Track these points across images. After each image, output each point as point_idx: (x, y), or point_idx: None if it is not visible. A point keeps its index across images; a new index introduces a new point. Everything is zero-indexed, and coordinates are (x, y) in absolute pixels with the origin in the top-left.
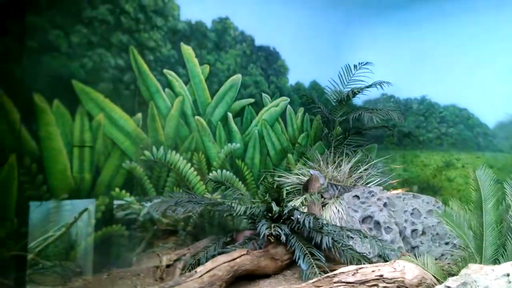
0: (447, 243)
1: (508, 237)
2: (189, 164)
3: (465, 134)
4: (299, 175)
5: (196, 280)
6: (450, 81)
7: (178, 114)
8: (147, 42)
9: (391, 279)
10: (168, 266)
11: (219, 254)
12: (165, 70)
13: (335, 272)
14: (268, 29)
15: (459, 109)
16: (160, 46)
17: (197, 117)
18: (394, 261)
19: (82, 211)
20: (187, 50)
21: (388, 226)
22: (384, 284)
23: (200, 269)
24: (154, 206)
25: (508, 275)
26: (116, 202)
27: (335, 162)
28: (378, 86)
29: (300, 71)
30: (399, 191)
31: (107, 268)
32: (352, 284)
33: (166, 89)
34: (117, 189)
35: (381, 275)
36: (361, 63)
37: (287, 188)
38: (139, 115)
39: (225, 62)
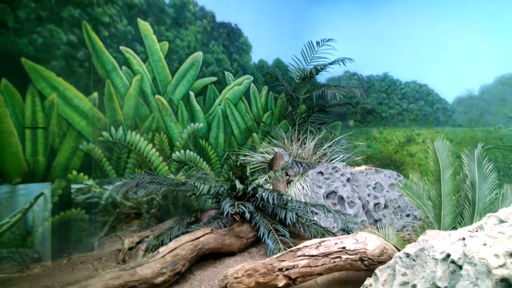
0: (408, 215)
1: (465, 205)
2: (151, 145)
3: (426, 110)
4: (264, 154)
5: (158, 260)
6: (411, 58)
7: (137, 93)
8: (102, 17)
9: (353, 250)
10: (131, 248)
11: (183, 234)
12: (121, 47)
13: (298, 246)
14: (230, 5)
15: (419, 85)
16: (116, 22)
17: (157, 96)
18: (356, 233)
19: (38, 195)
20: (145, 26)
21: (351, 201)
22: (347, 256)
23: (162, 249)
24: (115, 189)
25: (463, 239)
26: (75, 186)
27: (299, 140)
28: (341, 63)
29: (263, 49)
30: (363, 167)
31: (67, 253)
32: (315, 257)
33: (123, 67)
34: (74, 172)
35: (344, 247)
36: (324, 39)
37: (252, 167)
38: (95, 94)
39: (185, 39)
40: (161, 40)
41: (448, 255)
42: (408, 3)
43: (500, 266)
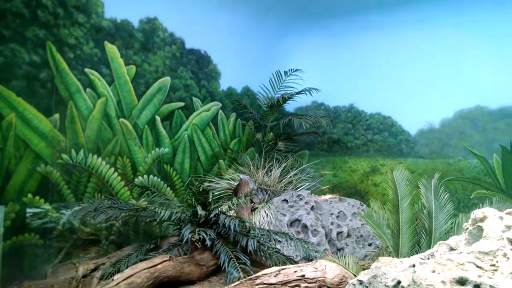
0: (370, 244)
1: (422, 234)
2: (112, 169)
3: (389, 141)
4: (229, 180)
5: None
6: (376, 90)
7: (101, 115)
8: (67, 39)
9: (312, 278)
10: (85, 276)
11: (141, 261)
12: (86, 69)
13: (257, 274)
14: (199, 32)
15: (383, 117)
16: (82, 44)
17: (121, 119)
18: (316, 261)
19: None
20: (112, 49)
21: (315, 229)
22: (306, 284)
23: (117, 277)
24: (73, 214)
25: (414, 265)
26: (31, 210)
27: (265, 167)
28: (308, 93)
29: (232, 76)
30: (329, 196)
31: (18, 280)
32: (274, 285)
33: (88, 89)
34: (29, 195)
35: (303, 275)
36: (292, 69)
37: (218, 193)
38: (57, 115)
39: (153, 63)
40: (128, 63)
41: (399, 282)
42: (374, 37)
43: None
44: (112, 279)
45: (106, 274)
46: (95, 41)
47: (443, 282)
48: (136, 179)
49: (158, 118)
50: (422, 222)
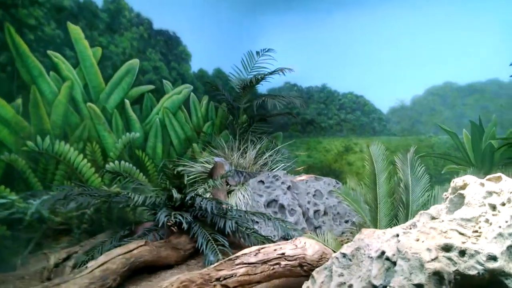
0: (347, 221)
1: (400, 207)
2: (82, 155)
3: (362, 120)
4: (204, 164)
5: (86, 276)
6: (348, 69)
7: (66, 100)
8: (27, 19)
9: (292, 256)
10: (57, 266)
11: (116, 248)
12: (49, 51)
13: (237, 254)
14: (168, 12)
15: (356, 96)
16: (43, 25)
17: (89, 103)
18: (296, 239)
19: None
20: (75, 30)
21: (292, 209)
22: (286, 262)
23: (91, 264)
24: (42, 203)
25: (397, 235)
26: None
27: (240, 149)
28: (280, 73)
29: (203, 58)
30: (304, 177)
31: None
32: (254, 264)
33: (51, 73)
34: None
35: (283, 253)
36: (264, 49)
37: (193, 177)
38: (19, 100)
39: (120, 45)
40: (94, 45)
41: (383, 253)
42: (346, 16)
43: (432, 259)
44: (86, 267)
45: (79, 263)
46: (57, 21)
47: (428, 249)
48: (107, 165)
49: (127, 101)
50: (399, 195)
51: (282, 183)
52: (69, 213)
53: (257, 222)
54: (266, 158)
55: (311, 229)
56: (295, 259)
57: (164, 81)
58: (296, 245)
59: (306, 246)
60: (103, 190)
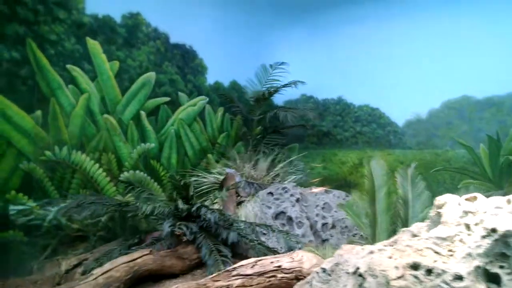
0: (354, 235)
1: (398, 222)
2: (97, 165)
3: (378, 133)
4: (216, 175)
5: (90, 283)
6: (364, 82)
7: (84, 111)
8: (48, 35)
9: (289, 269)
10: (68, 271)
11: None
12: (68, 65)
13: (234, 266)
14: (184, 27)
15: (372, 109)
16: (63, 40)
17: (105, 115)
18: (293, 252)
19: None
20: (94, 45)
21: (299, 221)
22: (282, 275)
23: (96, 271)
24: (59, 211)
25: (372, 252)
26: (15, 207)
27: (252, 161)
28: (293, 86)
29: (219, 71)
30: (319, 189)
31: (4, 276)
32: (250, 276)
33: (70, 86)
34: (13, 192)
35: (280, 266)
36: (277, 63)
37: (206, 187)
38: (39, 112)
39: (137, 59)
40: (111, 59)
41: (358, 268)
42: (361, 29)
43: (398, 277)
44: (92, 274)
45: (88, 269)
46: (76, 37)
47: (396, 267)
48: (121, 175)
49: (143, 113)
50: (398, 211)
51: (291, 195)
52: (85, 221)
53: (264, 233)
54: (277, 170)
55: (319, 242)
56: (292, 272)
57: (179, 93)
58: (293, 258)
59: (303, 259)
60: (114, 199)
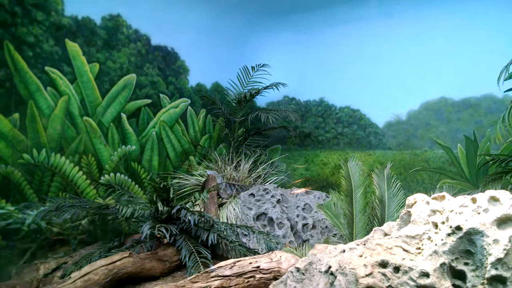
0: (335, 235)
1: (374, 222)
2: (77, 168)
3: (359, 134)
4: (198, 177)
5: (68, 286)
6: (345, 84)
7: (63, 114)
8: (26, 37)
9: (267, 269)
10: (46, 275)
11: (101, 258)
12: (47, 68)
13: (213, 267)
14: (166, 29)
15: (352, 110)
16: (41, 42)
17: (85, 117)
18: (272, 253)
19: None
20: (73, 47)
21: (280, 222)
22: (261, 275)
23: (74, 274)
24: (39, 214)
25: (344, 251)
26: None
27: (233, 162)
28: (275, 87)
29: (201, 72)
30: (300, 190)
31: None
32: (229, 277)
33: (49, 88)
34: None
35: (258, 266)
36: (259, 65)
37: (187, 189)
38: (16, 115)
39: (118, 61)
40: (91, 61)
41: (330, 267)
42: (341, 32)
43: (367, 275)
44: (70, 277)
45: (67, 273)
46: (55, 39)
47: (365, 265)
48: (102, 177)
49: (124, 115)
50: (375, 211)
51: (272, 196)
52: (65, 224)
53: (245, 235)
54: (259, 171)
55: (299, 242)
56: (270, 272)
57: (161, 95)
58: (271, 259)
59: (282, 260)
60: (94, 202)
